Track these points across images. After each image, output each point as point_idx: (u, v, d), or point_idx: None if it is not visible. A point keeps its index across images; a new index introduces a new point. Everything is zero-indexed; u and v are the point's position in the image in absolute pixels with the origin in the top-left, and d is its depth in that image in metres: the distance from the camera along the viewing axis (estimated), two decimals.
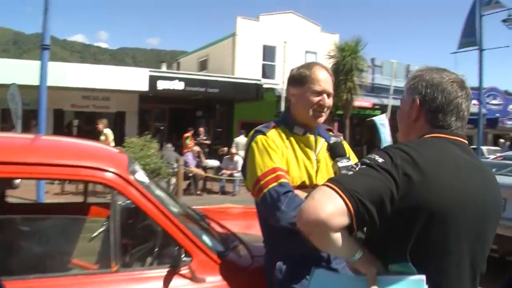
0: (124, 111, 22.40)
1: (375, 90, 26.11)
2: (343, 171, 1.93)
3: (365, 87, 22.97)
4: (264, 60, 26.40)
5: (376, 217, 1.55)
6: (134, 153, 13.39)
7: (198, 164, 15.50)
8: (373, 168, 1.61)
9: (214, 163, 17.09)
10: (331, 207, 1.50)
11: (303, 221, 1.53)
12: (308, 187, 2.51)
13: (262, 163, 2.46)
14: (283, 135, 2.61)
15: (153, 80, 19.48)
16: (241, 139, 18.62)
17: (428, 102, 1.85)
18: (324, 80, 2.60)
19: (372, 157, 1.67)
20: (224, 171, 15.71)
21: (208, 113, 24.90)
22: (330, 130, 2.83)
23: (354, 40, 21.02)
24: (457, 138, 1.82)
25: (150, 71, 20.07)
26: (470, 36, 21.88)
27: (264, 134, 2.56)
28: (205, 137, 18.83)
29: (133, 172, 2.66)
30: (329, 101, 2.62)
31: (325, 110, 2.62)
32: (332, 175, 2.46)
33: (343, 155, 2.29)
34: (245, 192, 15.16)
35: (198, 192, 14.78)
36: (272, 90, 22.44)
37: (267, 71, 26.19)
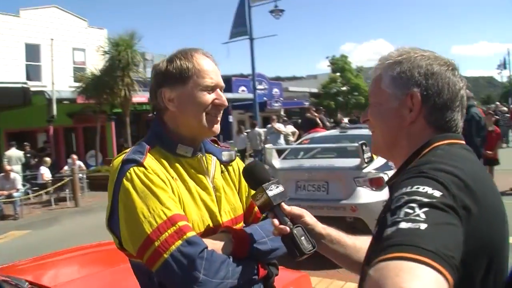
0: None
1: (148, 84, 25.55)
2: (279, 202, 1.70)
3: (140, 82, 22.44)
4: (27, 60, 24.17)
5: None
6: None
7: None
8: (439, 209, 1.12)
9: None
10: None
11: None
12: (214, 231, 1.85)
13: (149, 212, 1.68)
14: (164, 161, 1.84)
15: None
16: (14, 152, 17.20)
17: (432, 97, 1.42)
18: (213, 70, 1.92)
19: (423, 190, 1.16)
20: (0, 192, 13.88)
21: None
22: (215, 142, 2.15)
23: (128, 34, 20.16)
24: (464, 143, 1.45)
25: None
26: (241, 26, 22.88)
27: (140, 164, 1.76)
28: None
29: None
30: (225, 99, 1.95)
31: (221, 112, 1.96)
32: (238, 206, 2.03)
33: (267, 179, 1.79)
34: (29, 213, 14.28)
35: None
36: (41, 93, 20.85)
37: (32, 73, 24.08)
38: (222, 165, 2.06)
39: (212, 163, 2.01)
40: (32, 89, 20.74)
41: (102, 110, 21.66)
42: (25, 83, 20.90)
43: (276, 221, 1.71)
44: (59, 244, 9.29)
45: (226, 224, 1.90)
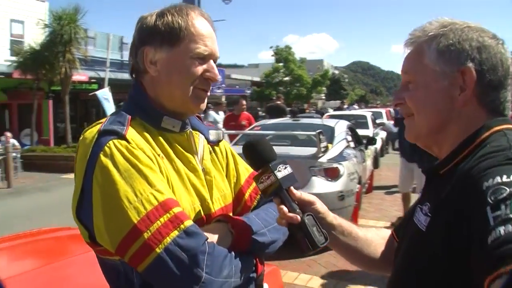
0: None
1: (89, 62, 24.88)
2: (288, 186, 1.47)
3: (81, 60, 21.68)
4: None
5: None
6: None
7: None
8: None
9: None
10: None
11: None
12: (204, 221, 1.54)
13: (135, 196, 1.34)
14: (147, 135, 1.51)
15: None
16: None
17: (487, 74, 1.22)
18: (209, 35, 1.59)
19: None
20: None
21: None
22: (199, 118, 1.83)
23: (71, 8, 19.31)
24: None
25: None
26: None
27: (121, 136, 1.42)
28: None
29: None
30: (217, 72, 1.63)
31: (210, 87, 1.64)
32: (228, 194, 1.72)
33: (274, 157, 1.51)
34: None
35: None
36: None
37: None
38: (209, 145, 1.76)
39: (200, 142, 1.69)
40: None
41: (40, 87, 20.80)
42: None
43: (284, 208, 1.46)
44: None
45: (217, 214, 1.60)
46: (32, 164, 16.98)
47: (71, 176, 1.40)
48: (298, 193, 1.52)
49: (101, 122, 1.49)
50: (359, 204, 8.41)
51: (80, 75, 22.06)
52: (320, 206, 1.58)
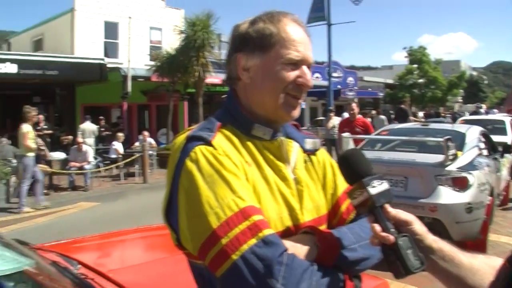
0: None
1: (222, 66, 25.62)
2: (382, 203, 1.35)
3: (214, 63, 22.44)
4: (106, 37, 24.64)
5: None
6: None
7: (41, 158, 13.75)
8: None
9: (60, 155, 15.15)
10: None
11: None
12: (292, 231, 1.49)
13: (217, 201, 1.34)
14: (236, 142, 1.51)
15: None
16: (88, 126, 17.60)
17: None
18: (301, 41, 1.55)
19: None
20: (72, 163, 14.04)
21: (46, 99, 22.78)
22: (296, 127, 1.78)
23: (204, 14, 20.09)
24: None
25: None
26: (319, 11, 22.43)
27: (207, 143, 1.43)
28: (45, 126, 16.76)
29: None
30: (310, 78, 1.57)
31: (304, 94, 1.59)
32: (322, 205, 1.64)
33: (368, 172, 1.42)
34: (99, 186, 14.48)
35: (45, 191, 12.97)
36: (117, 69, 21.31)
37: (110, 50, 24.52)
38: (304, 154, 1.70)
39: (294, 150, 1.65)
40: (109, 65, 21.22)
41: (176, 90, 21.80)
42: (102, 59, 21.36)
43: (377, 227, 1.36)
44: (126, 219, 9.35)
45: (307, 225, 1.53)
46: (166, 161, 17.63)
47: None
48: (393, 211, 1.41)
49: (191, 128, 1.53)
50: (490, 218, 7.59)
51: (213, 78, 22.81)
52: (419, 227, 1.43)
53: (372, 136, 9.37)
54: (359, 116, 11.61)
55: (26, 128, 11.01)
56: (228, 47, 1.65)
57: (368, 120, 15.30)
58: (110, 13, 24.29)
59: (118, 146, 16.28)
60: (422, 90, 47.63)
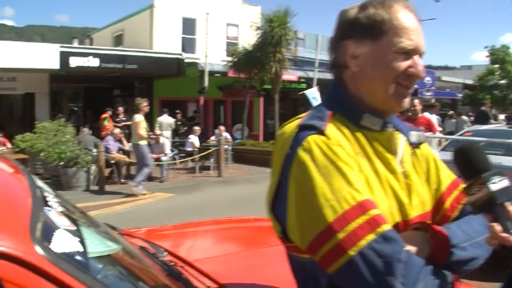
0: (33, 92, 20.62)
1: (298, 63, 25.56)
2: (503, 201, 1.23)
3: (290, 60, 22.34)
4: (184, 33, 25.00)
5: None
6: (47, 140, 12.06)
7: (119, 148, 14.06)
8: None
9: None
10: None
11: None
12: (401, 227, 1.40)
13: (332, 194, 1.27)
14: (346, 132, 1.43)
15: (64, 56, 17.88)
16: (165, 119, 17.89)
17: None
18: (414, 28, 1.45)
19: None
20: (149, 155, 14.24)
21: (126, 91, 23.35)
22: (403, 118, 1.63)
23: (282, 10, 20.01)
24: None
25: (61, 46, 18.41)
26: None
27: (320, 132, 1.36)
28: (124, 118, 17.38)
29: (43, 235, 1.33)
30: (422, 69, 1.48)
31: (414, 84, 1.51)
32: (427, 200, 1.54)
33: (488, 167, 1.31)
34: (174, 177, 14.63)
35: (123, 180, 13.32)
36: (194, 64, 21.65)
37: (187, 45, 24.81)
38: (410, 147, 1.62)
39: (400, 143, 1.57)
40: (186, 60, 21.51)
41: (252, 85, 21.90)
42: (180, 54, 21.71)
43: (497, 227, 1.26)
44: (201, 211, 9.39)
45: (415, 221, 1.46)
46: (241, 156, 17.86)
47: None
48: None
49: (300, 117, 1.47)
50: None
51: (289, 75, 22.77)
52: None
53: (456, 136, 8.97)
54: (422, 115, 10.74)
55: (139, 118, 11.45)
56: (333, 32, 1.57)
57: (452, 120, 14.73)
58: (188, 9, 24.62)
59: (194, 139, 16.39)
60: (504, 92, 45.62)
